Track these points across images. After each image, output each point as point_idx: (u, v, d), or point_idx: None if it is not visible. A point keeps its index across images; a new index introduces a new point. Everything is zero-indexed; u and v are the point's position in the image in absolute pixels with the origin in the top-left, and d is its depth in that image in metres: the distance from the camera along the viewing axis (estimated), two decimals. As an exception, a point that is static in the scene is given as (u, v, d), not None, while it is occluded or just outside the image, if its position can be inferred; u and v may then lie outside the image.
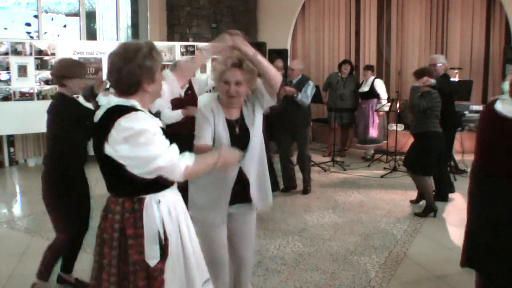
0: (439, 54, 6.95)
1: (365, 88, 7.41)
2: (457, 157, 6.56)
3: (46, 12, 7.97)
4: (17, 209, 5.23)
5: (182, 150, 1.86)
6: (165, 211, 1.87)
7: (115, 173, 1.82)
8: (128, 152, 1.73)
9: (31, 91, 6.62)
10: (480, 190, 2.57)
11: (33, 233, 4.31)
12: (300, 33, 10.03)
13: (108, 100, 1.88)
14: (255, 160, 2.44)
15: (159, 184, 1.85)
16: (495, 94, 7.01)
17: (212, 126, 2.33)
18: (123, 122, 1.73)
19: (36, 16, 7.69)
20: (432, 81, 4.73)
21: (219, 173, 2.23)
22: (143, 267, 1.81)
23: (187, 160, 1.82)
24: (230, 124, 2.38)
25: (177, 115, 4.24)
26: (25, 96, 6.57)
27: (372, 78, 7.44)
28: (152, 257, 1.82)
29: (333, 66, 8.90)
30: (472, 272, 2.65)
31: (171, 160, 1.76)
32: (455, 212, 4.95)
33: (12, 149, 7.05)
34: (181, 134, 2.74)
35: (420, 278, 3.42)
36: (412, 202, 5.22)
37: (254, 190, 2.46)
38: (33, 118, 6.51)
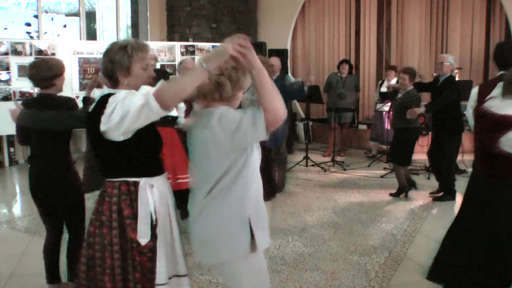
0: (448, 54, 6.93)
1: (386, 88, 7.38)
2: (457, 157, 6.55)
3: (46, 12, 7.97)
4: (17, 209, 5.23)
5: None
6: (156, 195, 2.04)
7: (112, 156, 2.01)
8: (116, 116, 1.86)
9: (31, 91, 6.62)
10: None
11: (33, 233, 4.31)
12: (300, 33, 10.02)
13: (101, 92, 2.06)
14: None
15: (153, 169, 2.07)
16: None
17: None
18: (111, 99, 1.91)
19: (36, 16, 7.69)
20: (421, 110, 5.04)
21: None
22: (138, 244, 2.00)
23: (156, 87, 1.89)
24: None
25: None
26: (25, 96, 6.57)
27: (395, 78, 7.45)
28: (143, 236, 1.99)
29: (333, 66, 8.90)
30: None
31: (145, 94, 1.84)
32: (456, 212, 4.95)
33: (12, 149, 7.05)
34: None
35: (420, 278, 3.42)
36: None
37: None
38: (33, 118, 6.51)
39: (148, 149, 2.05)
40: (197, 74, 1.78)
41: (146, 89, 1.90)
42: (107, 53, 2.01)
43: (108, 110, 1.88)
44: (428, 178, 5.96)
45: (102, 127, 1.90)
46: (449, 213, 4.91)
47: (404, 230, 4.38)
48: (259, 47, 8.93)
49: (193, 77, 1.79)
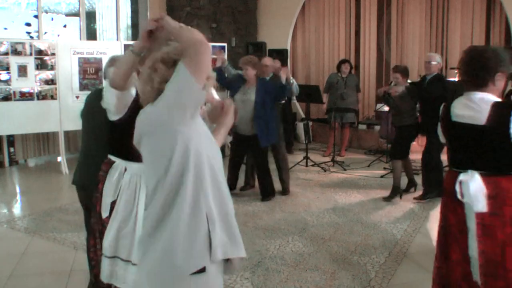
0: (436, 52, 6.93)
1: None
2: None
3: (46, 12, 7.96)
4: (17, 209, 5.22)
5: None
6: (127, 178, 2.33)
7: (108, 136, 2.46)
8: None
9: (31, 91, 6.61)
10: None
11: (33, 233, 4.31)
12: (300, 33, 10.02)
13: None
14: None
15: (130, 154, 2.22)
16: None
17: None
18: None
19: (36, 16, 7.68)
20: (400, 89, 5.21)
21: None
22: (100, 216, 2.40)
23: None
24: None
25: None
26: (25, 96, 6.56)
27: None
28: (104, 210, 2.34)
29: (333, 66, 8.89)
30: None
31: None
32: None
33: (12, 149, 7.04)
34: None
35: (420, 278, 3.42)
36: (415, 198, 5.34)
37: None
38: (33, 118, 6.50)
39: (125, 133, 2.14)
40: (125, 56, 2.03)
41: None
42: None
43: None
44: (428, 178, 5.96)
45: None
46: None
47: (404, 230, 4.38)
48: (259, 47, 8.94)
49: (123, 58, 2.07)
